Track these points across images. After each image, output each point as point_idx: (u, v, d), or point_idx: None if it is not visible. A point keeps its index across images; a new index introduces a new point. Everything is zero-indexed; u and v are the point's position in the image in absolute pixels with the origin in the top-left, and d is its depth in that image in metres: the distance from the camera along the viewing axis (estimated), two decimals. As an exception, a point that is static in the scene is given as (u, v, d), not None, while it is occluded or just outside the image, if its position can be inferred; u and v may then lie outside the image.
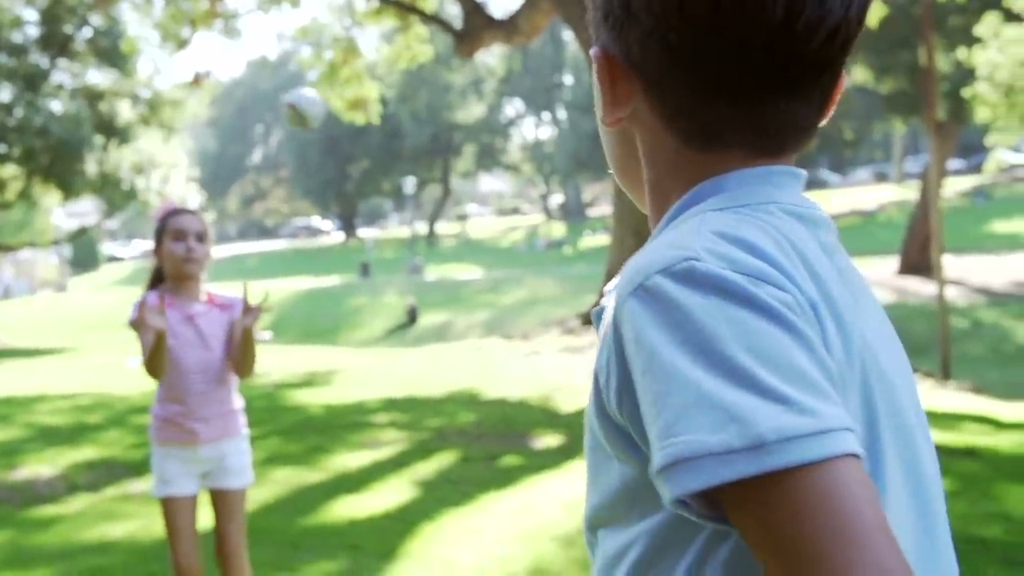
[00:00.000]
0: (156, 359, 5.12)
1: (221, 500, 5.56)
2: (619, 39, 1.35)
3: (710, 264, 1.15)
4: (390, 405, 14.48)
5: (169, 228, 5.38)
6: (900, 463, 1.27)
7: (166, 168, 37.05)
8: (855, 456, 1.04)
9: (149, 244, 5.51)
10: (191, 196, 40.23)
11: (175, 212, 5.47)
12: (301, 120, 5.37)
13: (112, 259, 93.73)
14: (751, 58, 1.25)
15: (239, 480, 5.60)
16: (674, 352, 1.10)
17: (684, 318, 1.12)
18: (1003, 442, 11.33)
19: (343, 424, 13.12)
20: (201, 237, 5.42)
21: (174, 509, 5.38)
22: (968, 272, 37.85)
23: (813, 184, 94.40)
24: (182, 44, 27.16)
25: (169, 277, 5.43)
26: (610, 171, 1.52)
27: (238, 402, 5.63)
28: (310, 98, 5.35)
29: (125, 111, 35.44)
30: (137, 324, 5.09)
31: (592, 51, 1.38)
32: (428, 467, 10.63)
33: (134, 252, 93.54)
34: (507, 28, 24.58)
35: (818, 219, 1.33)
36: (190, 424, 5.38)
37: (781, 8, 1.22)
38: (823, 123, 1.39)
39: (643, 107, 1.36)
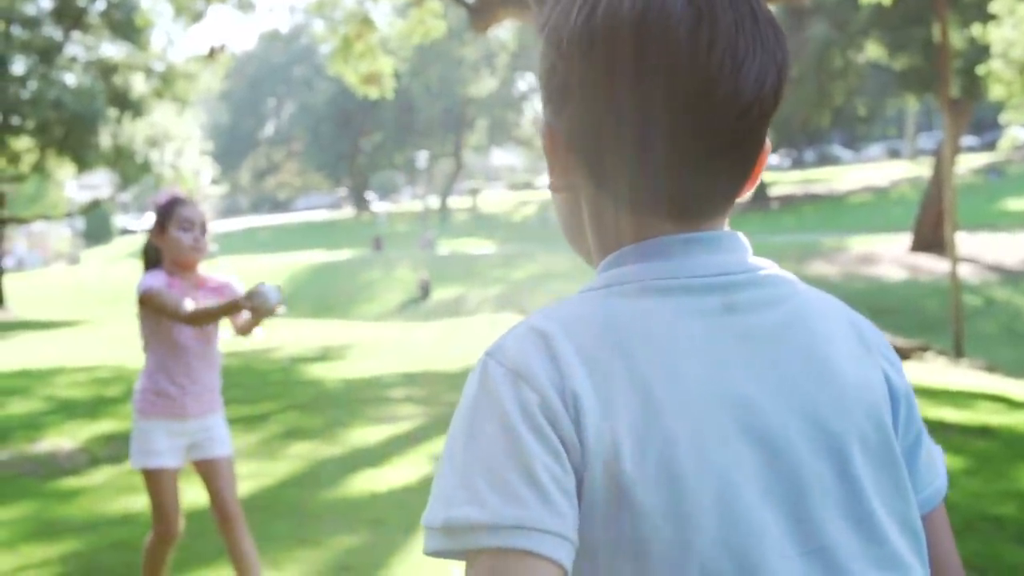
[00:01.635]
0: (225, 314, 5.25)
1: (214, 468, 5.65)
2: (557, 115, 1.45)
3: (496, 358, 1.34)
4: (406, 379, 14.54)
5: (176, 216, 5.48)
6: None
7: (179, 141, 37.10)
8: (526, 552, 1.22)
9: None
10: (204, 169, 40.27)
11: (182, 201, 5.58)
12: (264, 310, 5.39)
13: (125, 231, 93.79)
14: (669, 133, 1.34)
15: (225, 448, 5.71)
16: (453, 424, 1.34)
17: (463, 400, 1.34)
18: (1017, 421, 11.35)
19: (360, 398, 13.18)
20: (204, 228, 5.55)
21: (163, 480, 5.49)
22: (981, 250, 37.80)
23: (826, 160, 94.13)
24: (196, 17, 27.21)
25: (171, 262, 5.53)
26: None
27: (220, 380, 5.74)
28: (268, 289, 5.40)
29: (139, 84, 35.48)
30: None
31: (539, 125, 1.49)
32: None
33: (147, 225, 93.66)
34: (521, 3, 24.58)
35: (717, 285, 1.40)
36: (182, 399, 5.49)
37: (697, 85, 1.32)
38: (750, 189, 1.47)
39: (582, 175, 1.45)
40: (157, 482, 5.48)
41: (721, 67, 1.32)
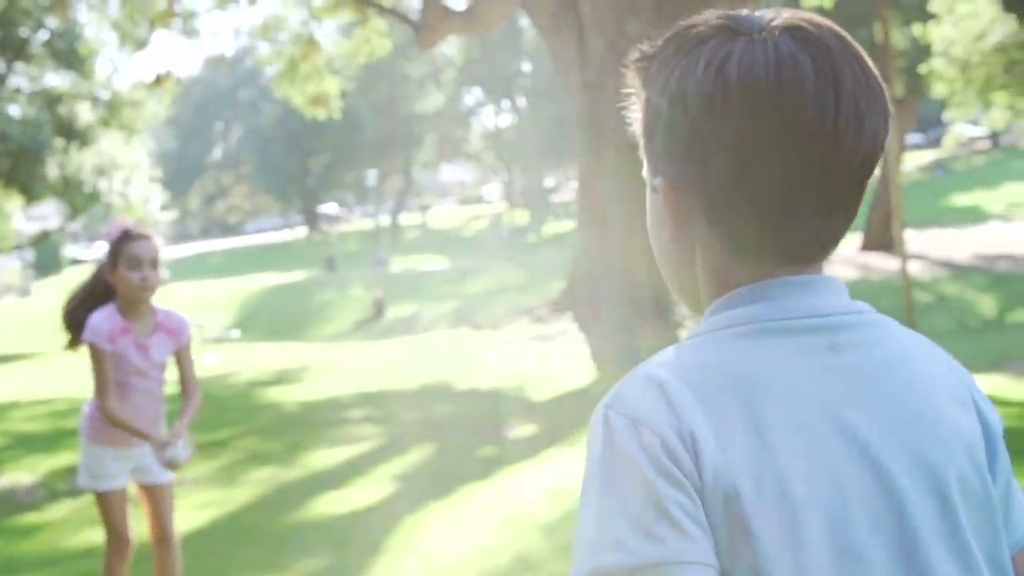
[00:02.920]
0: (129, 432, 5.51)
1: (157, 492, 5.84)
2: (678, 168, 1.50)
3: (616, 408, 1.41)
4: (364, 400, 14.52)
5: (124, 254, 5.53)
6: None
7: (127, 169, 36.92)
8: None
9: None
10: (153, 196, 40.08)
11: (130, 236, 5.60)
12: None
13: (75, 262, 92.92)
14: (793, 184, 1.42)
15: (168, 475, 5.86)
16: (585, 476, 1.41)
17: (591, 451, 1.41)
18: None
19: (319, 421, 13.16)
20: (155, 263, 5.59)
21: (114, 501, 5.70)
22: (930, 246, 38.05)
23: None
24: (140, 44, 27.10)
25: (122, 299, 5.59)
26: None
27: (163, 409, 5.87)
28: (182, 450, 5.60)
29: (85, 113, 35.31)
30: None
31: (656, 180, 1.54)
32: (406, 461, 10.69)
33: (97, 254, 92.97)
34: (466, 19, 24.62)
35: (823, 326, 1.47)
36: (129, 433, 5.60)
37: (825, 142, 1.40)
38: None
39: (702, 225, 1.51)
40: (107, 502, 5.69)
41: (847, 126, 1.40)
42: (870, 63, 1.47)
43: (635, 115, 1.59)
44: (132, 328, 5.56)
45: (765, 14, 1.48)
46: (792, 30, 1.43)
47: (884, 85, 1.47)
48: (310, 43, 26.97)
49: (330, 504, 9.07)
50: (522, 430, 11.84)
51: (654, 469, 1.34)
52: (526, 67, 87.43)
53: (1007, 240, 38.98)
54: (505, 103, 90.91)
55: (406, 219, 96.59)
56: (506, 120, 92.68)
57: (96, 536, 8.33)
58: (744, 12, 1.49)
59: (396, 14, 26.52)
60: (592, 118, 20.16)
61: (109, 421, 5.47)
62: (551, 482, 9.14)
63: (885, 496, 1.40)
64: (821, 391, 1.42)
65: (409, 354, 20.49)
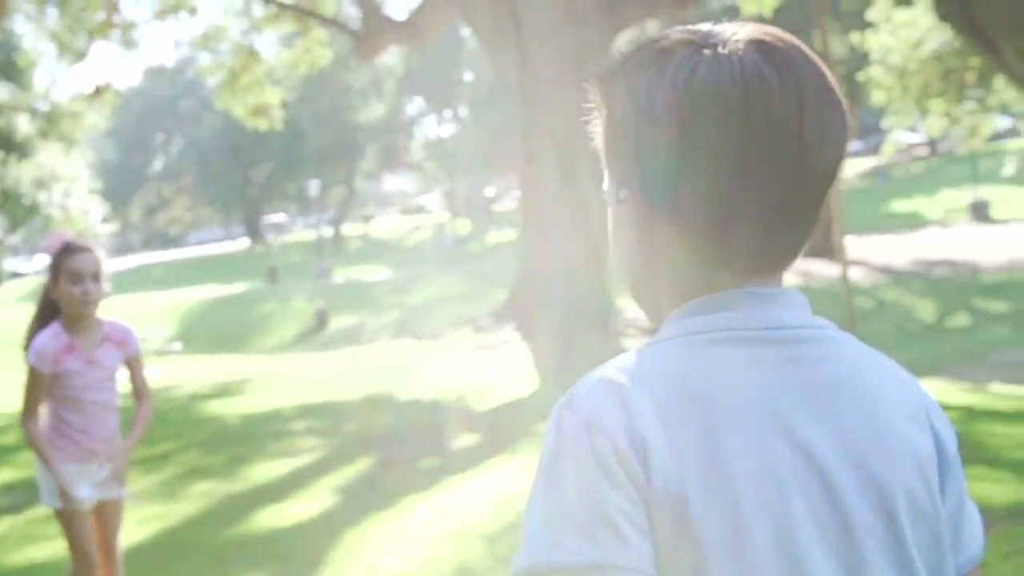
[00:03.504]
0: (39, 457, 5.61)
1: (107, 508, 5.83)
2: (644, 179, 1.51)
3: (570, 408, 1.44)
4: (306, 411, 14.49)
5: (65, 269, 5.53)
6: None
7: (67, 181, 36.74)
8: None
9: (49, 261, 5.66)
10: (94, 208, 39.84)
11: (70, 249, 5.59)
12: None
13: (15, 275, 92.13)
14: (760, 195, 1.45)
15: (119, 491, 5.89)
16: (535, 474, 1.45)
17: (543, 450, 1.45)
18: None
19: (261, 433, 13.12)
20: (96, 276, 5.58)
21: (78, 515, 5.64)
22: (870, 252, 38.34)
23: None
24: (79, 55, 26.92)
25: (66, 315, 5.60)
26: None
27: (117, 423, 5.88)
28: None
29: (24, 125, 35.08)
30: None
31: (621, 193, 1.56)
32: (349, 472, 10.68)
33: (37, 267, 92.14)
34: (406, 29, 24.60)
35: (782, 338, 1.49)
36: (89, 445, 5.66)
37: (792, 152, 1.44)
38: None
39: (668, 235, 1.52)
40: (71, 518, 5.62)
41: (811, 137, 1.43)
42: (831, 77, 1.50)
43: (596, 130, 1.61)
44: (77, 344, 5.57)
45: (729, 28, 1.50)
46: (757, 43, 1.46)
47: (841, 97, 1.51)
48: (251, 54, 26.88)
49: (272, 517, 9.05)
50: (465, 440, 11.86)
51: (601, 473, 1.37)
52: (467, 77, 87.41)
53: (945, 246, 39.34)
54: (447, 113, 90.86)
55: (349, 229, 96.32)
56: (448, 130, 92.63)
57: (38, 552, 8.31)
58: (707, 26, 1.52)
59: (337, 24, 26.46)
60: (532, 127, 20.19)
61: (25, 438, 5.53)
62: (494, 492, 9.16)
63: (833, 510, 1.43)
64: (776, 403, 1.44)
65: (352, 365, 20.46)
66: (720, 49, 1.45)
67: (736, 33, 1.48)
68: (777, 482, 1.41)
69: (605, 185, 1.62)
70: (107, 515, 5.80)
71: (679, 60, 1.46)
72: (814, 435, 1.45)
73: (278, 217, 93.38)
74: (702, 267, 1.51)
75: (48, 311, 5.68)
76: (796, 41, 1.50)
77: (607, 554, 1.34)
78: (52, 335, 5.54)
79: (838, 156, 1.49)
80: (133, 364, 5.85)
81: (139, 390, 5.89)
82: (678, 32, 1.51)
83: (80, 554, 5.64)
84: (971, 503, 1.63)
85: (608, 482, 1.36)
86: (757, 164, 1.42)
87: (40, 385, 5.52)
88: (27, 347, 5.64)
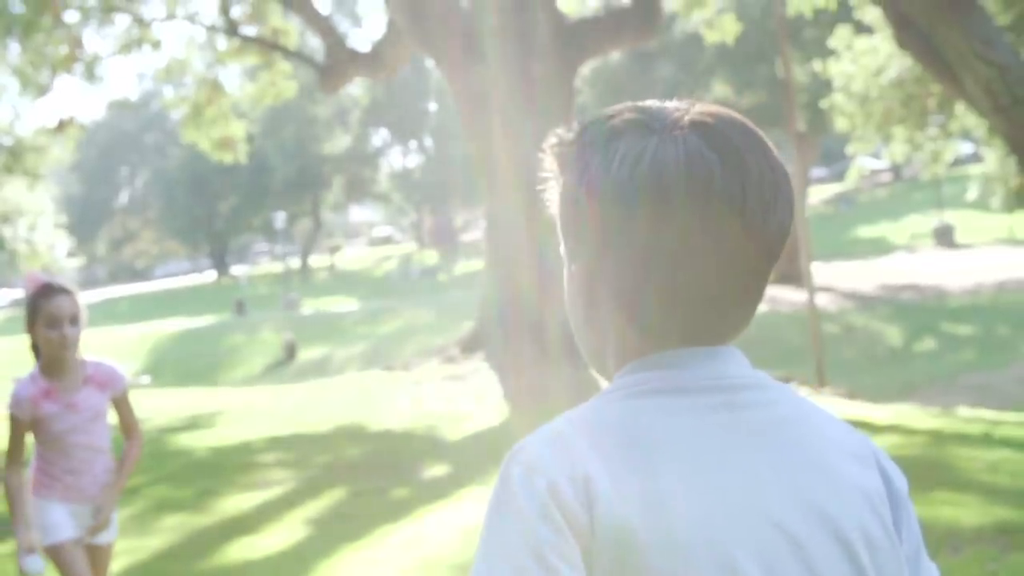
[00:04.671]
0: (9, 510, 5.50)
1: (97, 552, 5.74)
2: (589, 254, 1.58)
3: (516, 458, 1.48)
4: (276, 444, 14.47)
5: (42, 312, 5.45)
6: None
7: (32, 216, 36.57)
8: None
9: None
10: (59, 242, 39.70)
11: (46, 292, 5.51)
12: None
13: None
14: (702, 276, 1.50)
15: (110, 535, 5.82)
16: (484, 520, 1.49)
17: (491, 497, 1.49)
18: (882, 443, 11.57)
19: (230, 465, 13.09)
20: (74, 319, 5.51)
21: (69, 551, 5.53)
22: (836, 278, 38.52)
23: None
24: (42, 90, 26.85)
25: (44, 358, 5.54)
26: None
27: (112, 461, 5.76)
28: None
29: (-13, 160, 34.91)
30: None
31: (572, 266, 1.63)
32: (319, 504, 10.67)
33: (1, 302, 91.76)
34: (371, 61, 24.64)
35: (720, 387, 1.54)
36: (77, 486, 5.59)
37: (735, 236, 1.49)
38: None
39: (610, 307, 1.58)
40: (62, 554, 5.51)
41: (754, 217, 1.48)
42: (775, 154, 1.54)
43: (552, 196, 1.66)
44: (56, 389, 5.50)
45: (675, 109, 1.56)
46: (700, 127, 1.50)
47: (786, 173, 1.55)
48: (215, 87, 26.88)
49: (243, 550, 9.04)
50: (435, 470, 11.87)
51: (538, 515, 1.41)
52: (432, 107, 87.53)
53: (911, 271, 39.59)
54: (412, 143, 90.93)
55: (316, 261, 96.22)
56: (414, 160, 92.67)
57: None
58: (656, 105, 1.58)
59: (301, 57, 26.51)
60: (495, 159, 20.24)
61: (4, 485, 5.45)
62: (464, 522, 9.17)
63: (782, 541, 1.46)
64: (715, 444, 1.48)
65: (321, 396, 20.41)
66: (666, 134, 1.50)
67: (683, 115, 1.53)
68: (721, 517, 1.44)
69: (560, 250, 1.66)
70: (97, 558, 5.71)
71: (627, 143, 1.52)
72: (759, 473, 1.49)
73: (257, 246, 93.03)
74: (646, 338, 1.56)
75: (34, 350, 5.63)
76: (742, 121, 1.55)
77: None
78: (29, 382, 5.50)
79: (783, 234, 1.54)
80: (120, 403, 5.79)
81: (128, 428, 5.83)
82: (629, 112, 1.57)
83: None
84: (927, 557, 1.65)
85: (545, 524, 1.41)
86: (699, 247, 1.47)
87: (20, 431, 5.48)
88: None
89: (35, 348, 5.61)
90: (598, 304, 1.59)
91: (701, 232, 1.46)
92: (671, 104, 1.57)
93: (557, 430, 1.50)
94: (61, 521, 5.51)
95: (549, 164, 1.66)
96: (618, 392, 1.55)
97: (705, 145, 1.48)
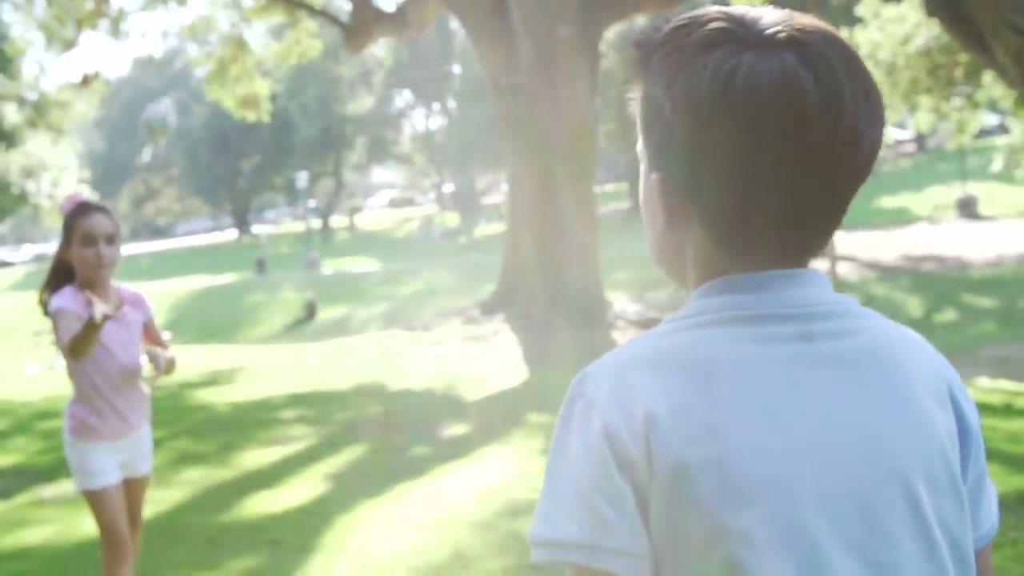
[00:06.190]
0: (87, 344, 5.11)
1: (134, 485, 5.68)
2: (674, 168, 1.53)
3: (580, 386, 1.49)
4: (296, 401, 14.52)
5: (78, 230, 5.33)
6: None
7: (56, 171, 36.65)
8: (585, 567, 1.43)
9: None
10: (82, 198, 39.71)
11: (83, 210, 5.41)
12: (160, 132, 5.39)
13: (2, 264, 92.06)
14: (791, 194, 1.47)
15: (148, 464, 5.78)
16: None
17: (557, 424, 1.51)
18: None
19: (251, 421, 13.15)
20: (111, 239, 5.39)
21: (108, 498, 5.43)
22: (858, 248, 38.36)
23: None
24: (68, 45, 26.88)
25: (81, 279, 5.38)
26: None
27: (146, 391, 5.71)
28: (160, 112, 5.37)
29: (12, 114, 34.97)
30: (88, 330, 5.02)
31: (652, 177, 1.57)
32: (339, 460, 10.71)
33: (25, 256, 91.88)
34: (396, 21, 24.61)
35: (794, 315, 1.51)
36: (118, 418, 5.47)
37: (825, 156, 1.46)
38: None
39: (695, 221, 1.55)
40: (102, 501, 5.43)
41: (846, 143, 1.45)
42: (869, 74, 1.52)
43: (634, 100, 1.62)
44: (100, 303, 5.16)
45: (768, 18, 1.50)
46: (796, 44, 1.46)
47: (881, 97, 1.53)
48: (240, 44, 26.89)
49: (263, 503, 9.08)
50: (455, 429, 11.90)
51: (592, 455, 1.42)
52: (456, 70, 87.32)
53: (933, 241, 39.39)
54: (435, 106, 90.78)
55: (337, 221, 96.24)
56: (436, 123, 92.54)
57: (28, 537, 8.34)
58: (749, 14, 1.51)
59: (327, 15, 26.45)
60: (520, 121, 20.23)
61: (71, 352, 5.14)
62: (484, 480, 9.21)
63: (844, 485, 1.44)
64: (784, 378, 1.46)
65: (341, 355, 20.46)
66: (760, 49, 1.46)
67: (778, 28, 1.48)
68: (783, 456, 1.42)
69: (639, 154, 1.63)
70: (132, 491, 5.62)
71: (719, 57, 1.46)
72: (826, 411, 1.46)
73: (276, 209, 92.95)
74: (726, 255, 1.54)
75: (61, 275, 5.45)
76: (837, 38, 1.51)
77: (586, 534, 1.41)
78: (68, 295, 5.29)
79: (872, 156, 1.51)
80: (150, 328, 5.69)
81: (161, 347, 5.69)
82: (721, 19, 1.50)
83: (112, 536, 5.42)
84: (989, 481, 1.64)
85: (597, 465, 1.42)
86: (789, 169, 1.44)
87: (71, 319, 5.16)
88: (45, 310, 5.39)
89: (60, 272, 5.44)
90: (677, 221, 1.56)
91: (792, 152, 1.43)
92: (766, 15, 1.51)
93: (620, 362, 1.49)
94: (104, 467, 5.42)
95: (630, 62, 1.62)
96: (689, 320, 1.53)
97: (801, 64, 1.44)
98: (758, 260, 1.52)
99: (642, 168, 1.62)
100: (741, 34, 1.48)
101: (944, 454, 1.51)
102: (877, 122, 1.50)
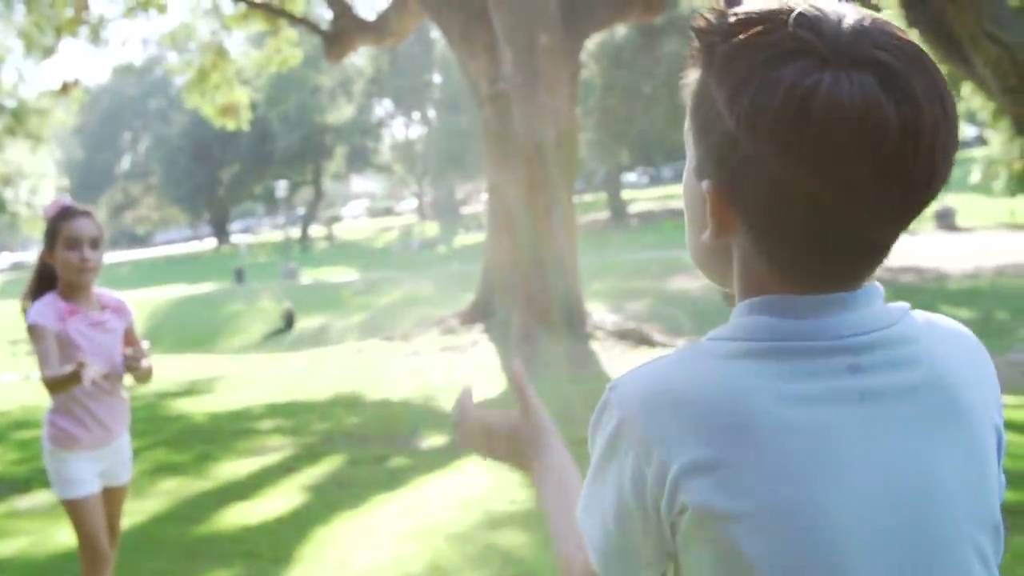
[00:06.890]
0: (65, 391, 5.14)
1: (114, 495, 5.63)
2: (731, 180, 1.44)
3: (616, 395, 1.46)
4: (274, 411, 14.48)
5: (62, 234, 5.27)
6: None
7: (34, 178, 36.52)
8: None
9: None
10: (60, 206, 39.62)
11: (68, 214, 5.34)
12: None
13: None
14: (855, 221, 1.39)
15: (128, 473, 5.73)
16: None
17: (598, 432, 1.50)
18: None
19: (228, 431, 13.10)
20: (95, 243, 5.33)
21: (88, 507, 5.37)
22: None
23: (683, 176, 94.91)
24: (47, 52, 26.79)
25: (63, 283, 5.33)
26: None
27: (126, 398, 5.65)
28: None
29: (-10, 122, 34.84)
30: (67, 379, 5.00)
31: (703, 184, 1.48)
32: (317, 471, 10.67)
33: (2, 265, 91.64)
34: (377, 30, 24.61)
35: (842, 347, 1.43)
36: (98, 427, 5.40)
37: (900, 188, 1.38)
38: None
39: (745, 237, 1.47)
40: (82, 511, 5.37)
41: (919, 179, 1.37)
42: (950, 96, 1.41)
43: (688, 86, 1.52)
44: (78, 310, 5.28)
45: (846, 24, 1.39)
46: (878, 66, 1.36)
47: (957, 122, 1.43)
48: (220, 53, 26.83)
49: (240, 515, 9.04)
50: (433, 440, 11.86)
51: (624, 479, 1.43)
52: (436, 79, 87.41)
53: (911, 253, 39.52)
54: (415, 115, 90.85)
55: (316, 231, 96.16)
56: (416, 132, 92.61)
57: (3, 549, 8.27)
58: (825, 19, 1.40)
59: (307, 24, 26.44)
60: (500, 130, 20.23)
61: (46, 387, 5.12)
62: (463, 492, 9.17)
63: (906, 544, 1.40)
64: (829, 416, 1.39)
65: (319, 365, 20.43)
66: (838, 68, 1.34)
67: (857, 41, 1.37)
68: (821, 498, 1.37)
69: (687, 143, 1.55)
70: (111, 502, 5.56)
71: (794, 74, 1.35)
72: (868, 448, 1.41)
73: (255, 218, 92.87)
74: (775, 272, 1.47)
75: (45, 280, 5.41)
76: (921, 54, 1.41)
77: (607, 554, 1.51)
78: (48, 302, 5.25)
79: (940, 189, 1.42)
80: (130, 334, 5.62)
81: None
82: (797, 26, 1.39)
83: (90, 547, 5.35)
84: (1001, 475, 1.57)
85: (627, 489, 1.43)
86: (857, 200, 1.36)
87: (47, 339, 5.14)
88: (25, 316, 5.29)
89: (43, 277, 5.41)
90: (726, 231, 1.47)
91: (864, 182, 1.35)
92: (845, 20, 1.40)
93: (657, 390, 1.43)
94: (84, 476, 5.36)
95: (693, 49, 1.50)
96: (731, 344, 1.45)
97: (883, 90, 1.34)
98: (808, 281, 1.45)
99: (688, 156, 1.55)
100: (818, 47, 1.37)
101: (990, 495, 1.48)
102: (951, 153, 1.40)
